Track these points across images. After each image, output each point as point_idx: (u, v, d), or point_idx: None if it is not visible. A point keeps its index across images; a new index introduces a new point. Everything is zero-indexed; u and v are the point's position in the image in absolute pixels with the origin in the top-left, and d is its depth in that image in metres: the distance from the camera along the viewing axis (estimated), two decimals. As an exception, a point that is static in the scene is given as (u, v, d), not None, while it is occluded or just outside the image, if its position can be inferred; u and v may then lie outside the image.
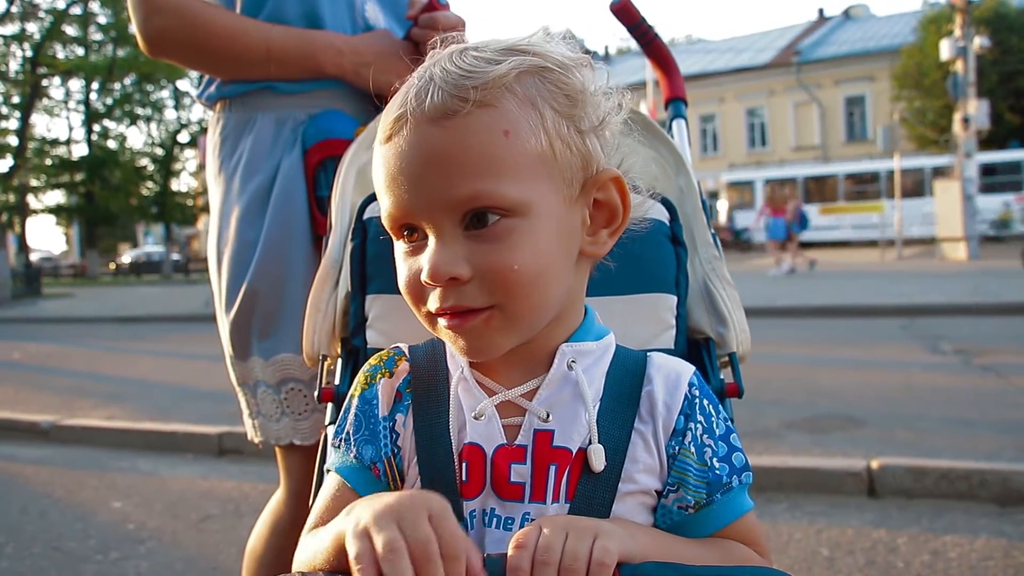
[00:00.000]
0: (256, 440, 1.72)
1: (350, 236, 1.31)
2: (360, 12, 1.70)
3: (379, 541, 0.74)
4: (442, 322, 0.90)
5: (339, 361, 1.31)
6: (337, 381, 1.28)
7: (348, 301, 1.30)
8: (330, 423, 1.24)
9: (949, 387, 5.92)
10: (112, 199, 36.99)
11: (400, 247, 0.93)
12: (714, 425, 0.97)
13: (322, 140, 1.62)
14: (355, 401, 1.00)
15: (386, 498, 0.80)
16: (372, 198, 1.32)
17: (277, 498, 1.75)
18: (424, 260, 0.87)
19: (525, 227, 0.87)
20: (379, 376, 1.01)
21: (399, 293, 1.23)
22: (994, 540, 3.21)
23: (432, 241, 0.88)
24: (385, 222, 0.92)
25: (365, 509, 0.80)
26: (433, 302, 0.89)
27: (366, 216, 1.30)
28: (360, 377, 1.03)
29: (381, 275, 1.26)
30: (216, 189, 1.71)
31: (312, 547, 0.89)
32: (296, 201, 1.62)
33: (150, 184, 39.83)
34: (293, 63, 1.61)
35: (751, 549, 0.96)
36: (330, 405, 1.25)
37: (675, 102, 1.68)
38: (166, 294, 22.78)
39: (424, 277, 0.87)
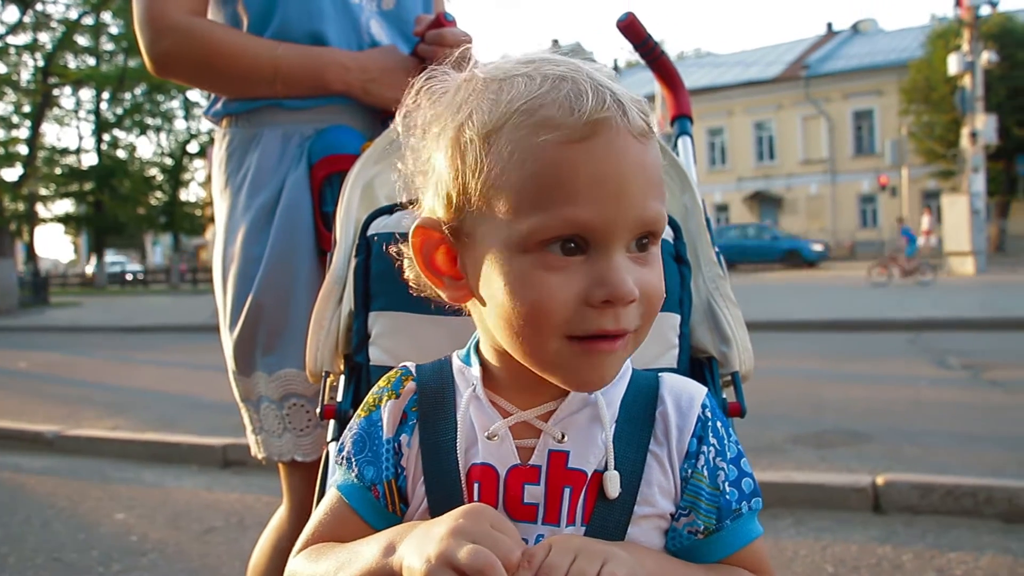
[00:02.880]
0: (259, 456, 1.72)
1: (354, 252, 1.31)
2: (365, 29, 1.70)
3: (467, 560, 0.76)
4: (582, 347, 0.84)
5: (342, 378, 1.30)
6: (339, 398, 1.28)
7: (351, 318, 1.30)
8: (332, 440, 1.24)
9: (956, 402, 5.89)
10: (121, 209, 37.18)
11: (528, 261, 0.83)
12: (726, 448, 0.96)
13: (328, 155, 1.62)
14: (360, 421, 0.99)
15: (440, 525, 0.81)
16: (377, 214, 1.32)
17: (280, 514, 1.75)
18: (605, 277, 0.82)
19: (659, 254, 0.89)
20: (386, 398, 0.99)
21: (402, 310, 1.24)
22: (1000, 557, 3.19)
23: (613, 257, 0.83)
24: (548, 230, 0.82)
25: (419, 542, 0.81)
26: (594, 323, 0.83)
27: (370, 232, 1.30)
28: (368, 399, 1.02)
29: (385, 292, 1.26)
30: (222, 204, 1.71)
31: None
32: (302, 216, 1.62)
33: (159, 194, 40.03)
34: (300, 81, 1.62)
35: None
36: (332, 422, 1.25)
37: (681, 119, 1.68)
38: (173, 304, 22.84)
39: (610, 294, 0.82)
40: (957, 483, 3.76)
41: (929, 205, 33.95)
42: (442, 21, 1.63)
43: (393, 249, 0.99)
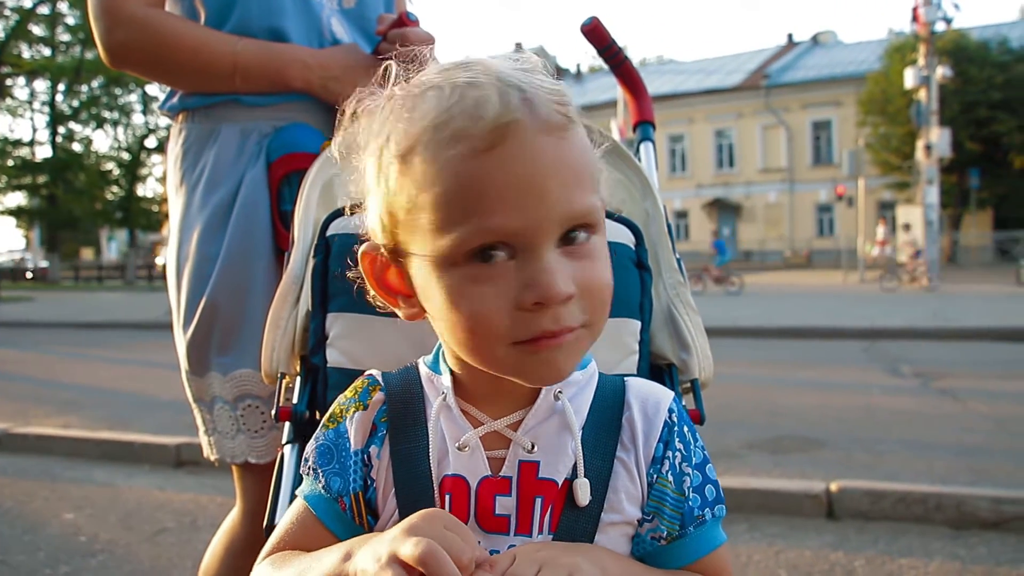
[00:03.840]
0: (212, 457, 1.68)
1: (312, 253, 1.29)
2: (327, 26, 1.68)
3: (412, 552, 0.76)
4: (528, 349, 0.83)
5: (297, 379, 1.29)
6: (295, 399, 1.26)
7: (308, 319, 1.28)
8: (287, 442, 1.22)
9: (908, 410, 6.00)
10: (75, 203, 36.48)
11: (458, 275, 0.83)
12: (692, 453, 0.95)
13: (287, 153, 1.59)
14: (325, 432, 0.98)
15: (394, 529, 0.82)
16: (336, 214, 1.30)
17: (233, 516, 1.72)
18: (534, 280, 0.81)
19: (601, 244, 0.87)
20: (353, 409, 0.98)
21: (361, 312, 1.22)
22: (948, 563, 3.25)
23: (542, 258, 0.81)
24: (471, 241, 0.81)
25: (374, 546, 0.81)
26: (534, 326, 0.82)
27: (330, 233, 1.28)
28: (335, 409, 1.00)
29: (343, 293, 1.24)
30: (177, 202, 1.67)
31: None
32: (259, 214, 1.60)
33: (115, 188, 39.33)
34: (259, 77, 1.59)
35: None
36: (287, 424, 1.23)
37: (643, 125, 1.69)
38: (128, 300, 22.45)
39: (540, 296, 0.80)
40: (908, 490, 3.83)
41: (884, 216, 34.67)
42: (405, 21, 1.61)
43: (351, 274, 0.97)
